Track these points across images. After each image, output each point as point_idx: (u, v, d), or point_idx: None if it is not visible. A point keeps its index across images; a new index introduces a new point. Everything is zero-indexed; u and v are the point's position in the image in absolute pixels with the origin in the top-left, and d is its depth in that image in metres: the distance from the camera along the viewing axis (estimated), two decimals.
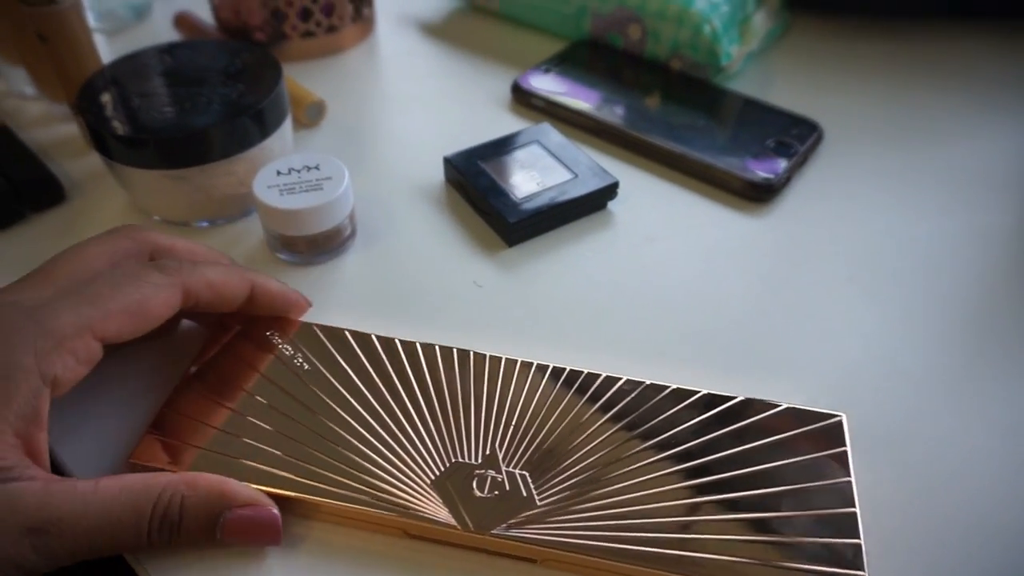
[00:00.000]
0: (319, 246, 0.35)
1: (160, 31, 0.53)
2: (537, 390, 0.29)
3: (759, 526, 0.25)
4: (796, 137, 0.42)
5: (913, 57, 0.50)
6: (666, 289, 0.35)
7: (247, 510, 0.25)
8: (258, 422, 0.28)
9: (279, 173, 0.35)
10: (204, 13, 0.51)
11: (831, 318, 0.34)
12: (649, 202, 0.40)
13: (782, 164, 0.40)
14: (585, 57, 0.48)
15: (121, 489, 0.23)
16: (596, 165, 0.39)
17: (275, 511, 0.25)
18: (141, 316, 0.26)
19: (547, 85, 0.46)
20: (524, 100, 0.46)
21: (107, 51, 0.41)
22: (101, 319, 0.24)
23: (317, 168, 0.35)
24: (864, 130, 0.44)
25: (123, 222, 0.38)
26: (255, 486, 0.26)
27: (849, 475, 0.26)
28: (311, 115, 0.44)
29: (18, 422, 0.22)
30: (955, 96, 0.47)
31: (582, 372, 0.30)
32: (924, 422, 0.30)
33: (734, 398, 0.29)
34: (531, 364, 0.30)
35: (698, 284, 0.35)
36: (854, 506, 0.26)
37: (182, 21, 0.52)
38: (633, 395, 0.29)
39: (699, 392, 0.29)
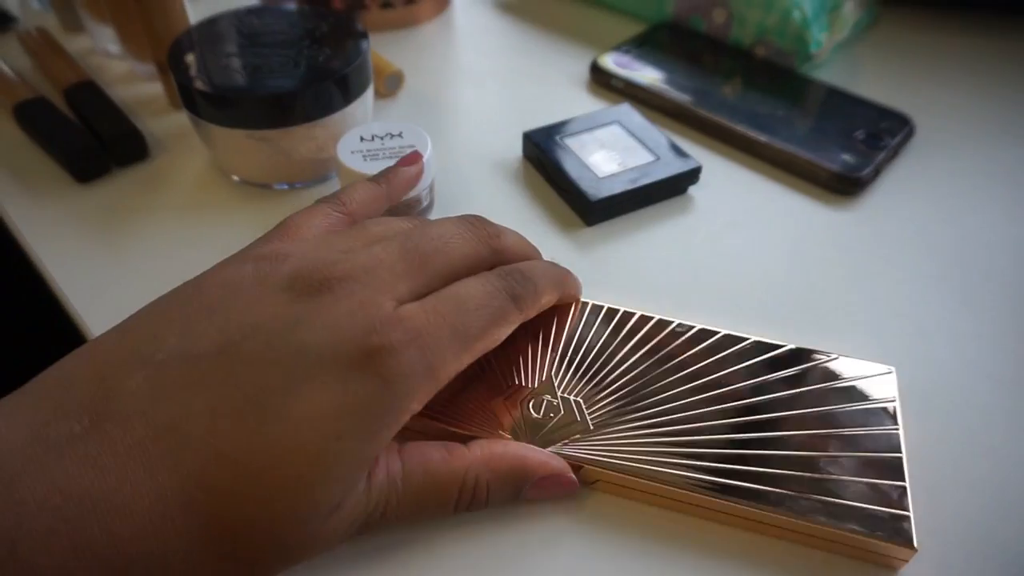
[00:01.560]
0: (397, 214, 0.35)
1: None
2: (592, 327, 0.30)
3: (806, 464, 0.25)
4: (886, 130, 0.40)
5: (1006, 52, 0.48)
6: (745, 276, 0.34)
7: (548, 481, 0.25)
8: None
9: (362, 139, 0.35)
10: None
11: (919, 316, 0.33)
12: (730, 189, 0.39)
13: (872, 157, 0.39)
14: (665, 40, 0.47)
15: (425, 474, 0.24)
16: (678, 148, 0.38)
17: (572, 476, 0.25)
18: (476, 355, 0.25)
19: (627, 66, 0.45)
20: (603, 81, 0.45)
21: (190, 15, 0.42)
22: (462, 366, 0.24)
23: (400, 136, 0.35)
24: (957, 127, 0.43)
25: (204, 181, 0.39)
26: None
27: (897, 425, 0.26)
28: (390, 85, 0.44)
29: (377, 448, 0.22)
30: None
31: (635, 313, 0.30)
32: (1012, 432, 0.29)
33: (784, 346, 0.29)
34: (587, 303, 0.31)
35: (779, 273, 0.34)
36: (900, 452, 0.26)
37: None
38: (685, 336, 0.29)
39: (749, 339, 0.29)
